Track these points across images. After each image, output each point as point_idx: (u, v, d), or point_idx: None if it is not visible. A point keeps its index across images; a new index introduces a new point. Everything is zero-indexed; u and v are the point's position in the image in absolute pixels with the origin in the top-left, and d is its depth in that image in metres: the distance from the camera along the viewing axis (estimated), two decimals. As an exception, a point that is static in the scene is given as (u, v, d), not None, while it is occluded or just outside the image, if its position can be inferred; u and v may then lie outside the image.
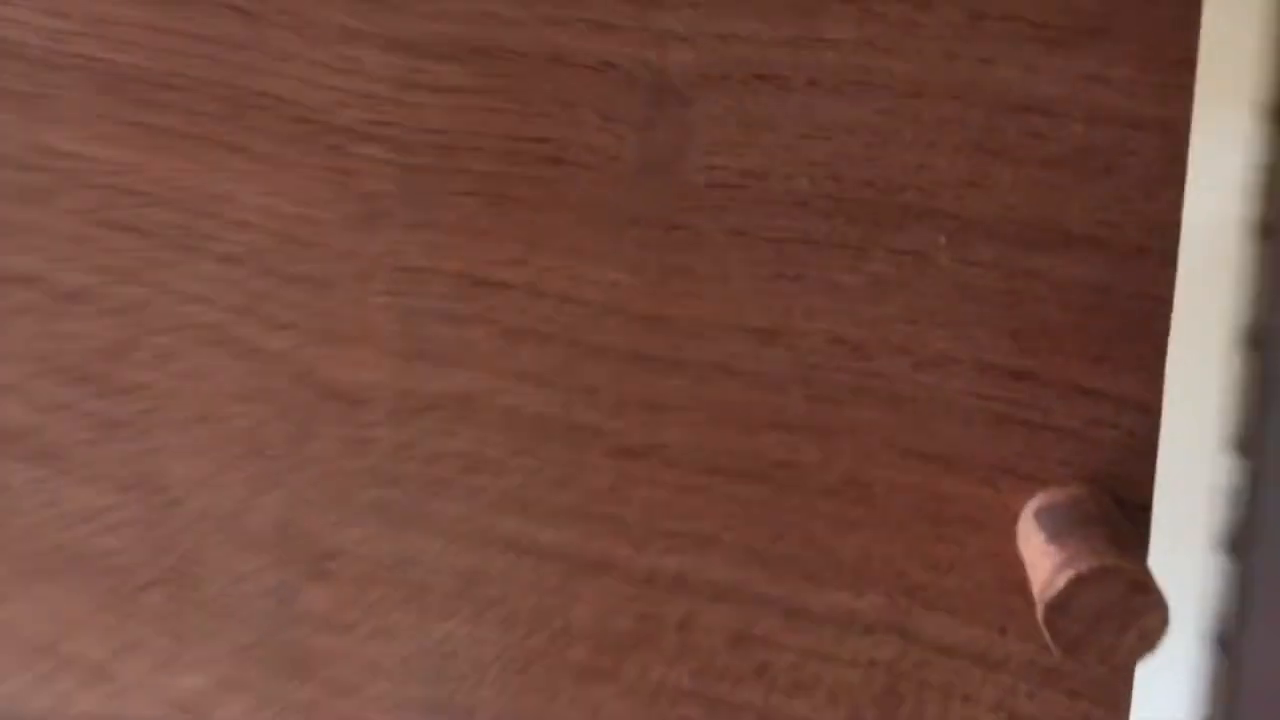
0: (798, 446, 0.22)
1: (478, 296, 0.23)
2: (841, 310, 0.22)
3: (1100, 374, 0.21)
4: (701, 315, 0.22)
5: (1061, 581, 0.18)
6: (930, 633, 0.23)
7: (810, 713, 0.24)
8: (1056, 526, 0.19)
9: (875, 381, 0.22)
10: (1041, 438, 0.21)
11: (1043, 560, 0.19)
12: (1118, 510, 0.21)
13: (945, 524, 0.22)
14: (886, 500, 0.22)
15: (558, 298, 0.23)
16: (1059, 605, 0.18)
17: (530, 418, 0.23)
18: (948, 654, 0.23)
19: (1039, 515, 0.21)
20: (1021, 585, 0.22)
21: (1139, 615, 0.18)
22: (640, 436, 0.23)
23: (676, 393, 0.23)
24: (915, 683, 0.23)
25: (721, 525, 0.23)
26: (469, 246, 0.23)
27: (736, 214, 0.21)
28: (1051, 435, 0.21)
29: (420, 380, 0.24)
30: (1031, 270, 0.21)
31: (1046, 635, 0.18)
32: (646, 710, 0.24)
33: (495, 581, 0.24)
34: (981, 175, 0.20)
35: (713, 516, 0.23)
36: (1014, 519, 0.22)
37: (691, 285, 0.22)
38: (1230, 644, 0.35)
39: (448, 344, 0.24)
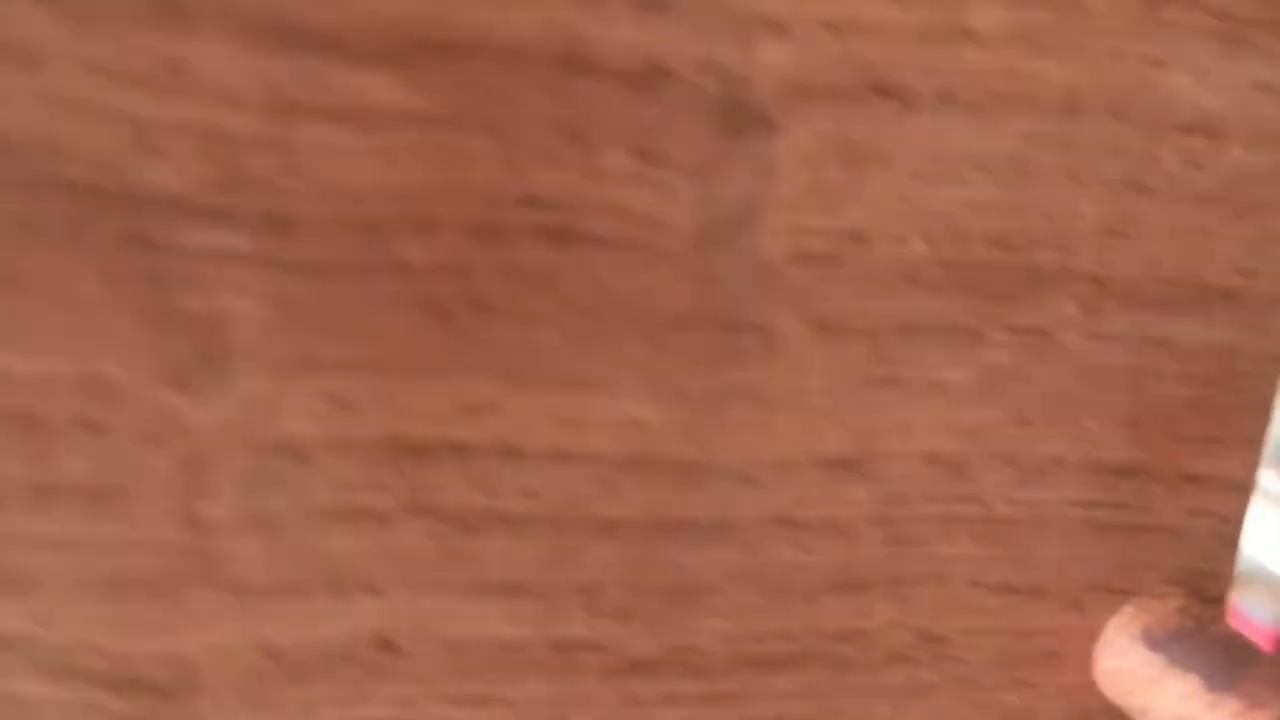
0: (868, 608, 0.21)
1: (413, 472, 0.18)
2: (941, 420, 0.20)
3: (1209, 456, 0.23)
4: (759, 453, 0.20)
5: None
6: (988, 794, 0.24)
7: None
8: (1208, 664, 0.21)
9: (969, 508, 0.21)
10: (1138, 542, 0.23)
11: (1213, 715, 0.21)
12: (1220, 613, 0.23)
13: (1020, 666, 0.23)
14: (962, 653, 0.22)
15: (545, 457, 0.18)
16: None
17: (488, 649, 0.19)
18: (1004, 812, 0.24)
19: (1158, 643, 0.22)
20: (1091, 717, 0.24)
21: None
22: (655, 641, 0.20)
23: (713, 568, 0.20)
24: None
25: (759, 735, 0.21)
26: (403, 395, 0.17)
27: (824, 299, 0.19)
28: (1149, 537, 0.23)
29: (299, 624, 0.18)
30: (1161, 339, 0.22)
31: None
32: None
33: None
34: (1128, 220, 0.20)
35: (748, 726, 0.21)
36: (1092, 641, 0.23)
37: (751, 412, 0.19)
38: None
39: (352, 559, 0.18)
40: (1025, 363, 0.22)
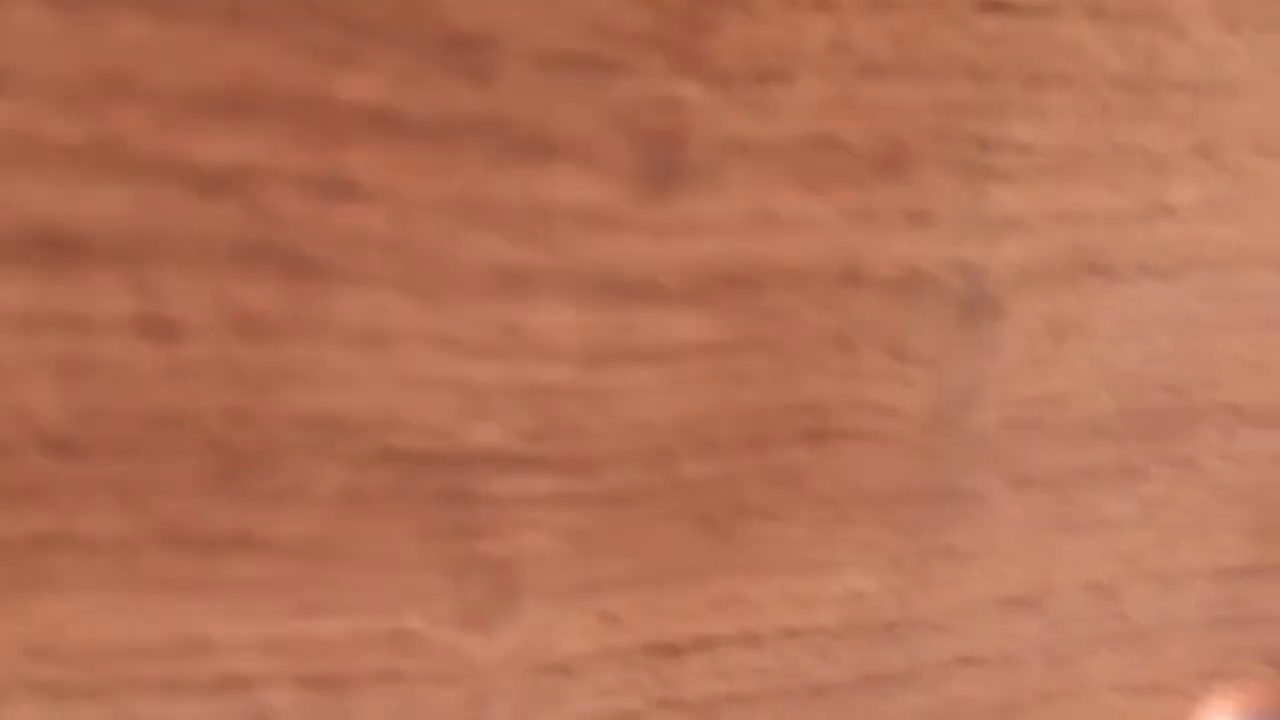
0: (1024, 726, 0.23)
1: (665, 670, 0.18)
2: (1103, 550, 0.22)
3: (1307, 550, 0.25)
4: (953, 602, 0.21)
5: None
6: None
7: None
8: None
9: (1116, 624, 0.23)
10: (1242, 632, 0.25)
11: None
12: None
13: (1139, 751, 0.25)
14: (1095, 750, 0.24)
15: (778, 637, 0.19)
16: None
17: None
18: None
19: (1253, 716, 0.25)
20: (1189, 785, 0.26)
21: None
22: (851, 787, 0.21)
23: (904, 714, 0.21)
24: None
25: None
26: (664, 601, 0.18)
27: (1025, 458, 0.20)
28: (1252, 627, 0.25)
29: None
30: (1278, 453, 0.23)
31: None
32: None
33: None
34: (1269, 353, 0.22)
35: None
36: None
37: (951, 568, 0.20)
38: None
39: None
40: (1176, 491, 0.23)
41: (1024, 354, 0.20)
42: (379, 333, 0.14)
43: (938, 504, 0.20)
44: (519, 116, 0.15)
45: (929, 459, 0.20)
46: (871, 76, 0.16)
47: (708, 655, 0.19)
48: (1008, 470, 0.21)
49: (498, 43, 0.14)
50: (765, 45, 0.16)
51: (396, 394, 0.15)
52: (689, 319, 0.16)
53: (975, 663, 0.22)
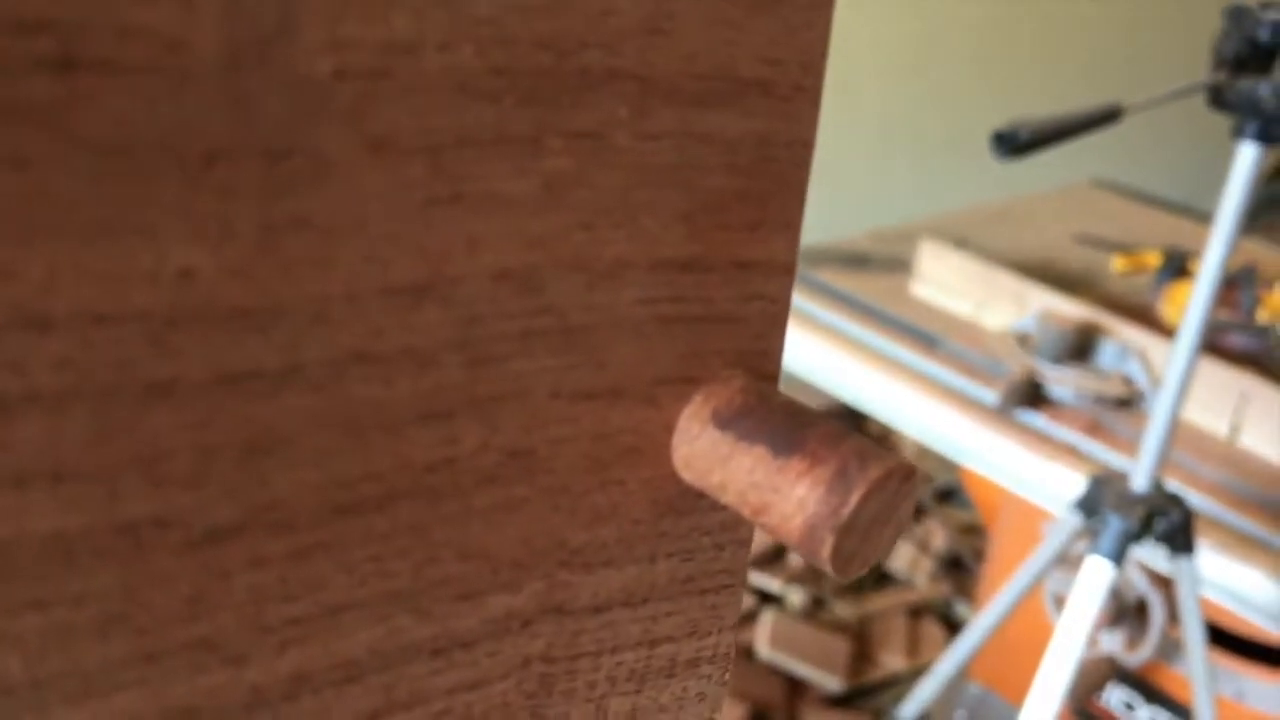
0: (454, 434, 0.21)
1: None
2: (508, 232, 0.21)
3: (756, 242, 0.24)
4: (325, 288, 0.19)
5: (854, 499, 0.22)
6: (585, 598, 0.25)
7: (457, 754, 0.25)
8: (774, 433, 0.23)
9: (545, 320, 0.22)
10: (701, 331, 0.24)
11: (783, 475, 0.23)
12: (776, 388, 0.25)
13: (607, 467, 0.24)
14: (550, 463, 0.23)
15: (75, 318, 0.16)
16: (850, 525, 0.22)
17: (38, 544, 0.17)
18: (600, 611, 0.26)
19: (726, 422, 0.24)
20: (673, 503, 0.26)
21: (901, 505, 0.23)
22: (233, 505, 0.19)
23: (288, 416, 0.19)
24: (567, 659, 0.26)
25: (355, 581, 0.21)
26: None
27: (376, 117, 0.18)
28: (710, 325, 0.24)
29: None
30: (705, 134, 0.23)
31: (824, 561, 0.22)
32: None
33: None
34: (665, 17, 0.21)
35: (342, 575, 0.21)
36: (669, 433, 0.25)
37: (310, 245, 0.18)
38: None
39: None
40: (584, 168, 0.22)
41: (346, -14, 0.18)
42: None
43: (273, 165, 0.18)
44: None
45: (244, 108, 0.17)
46: None
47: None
48: (359, 131, 0.19)
49: None
50: None
51: None
52: None
53: (373, 359, 0.20)
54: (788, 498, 0.23)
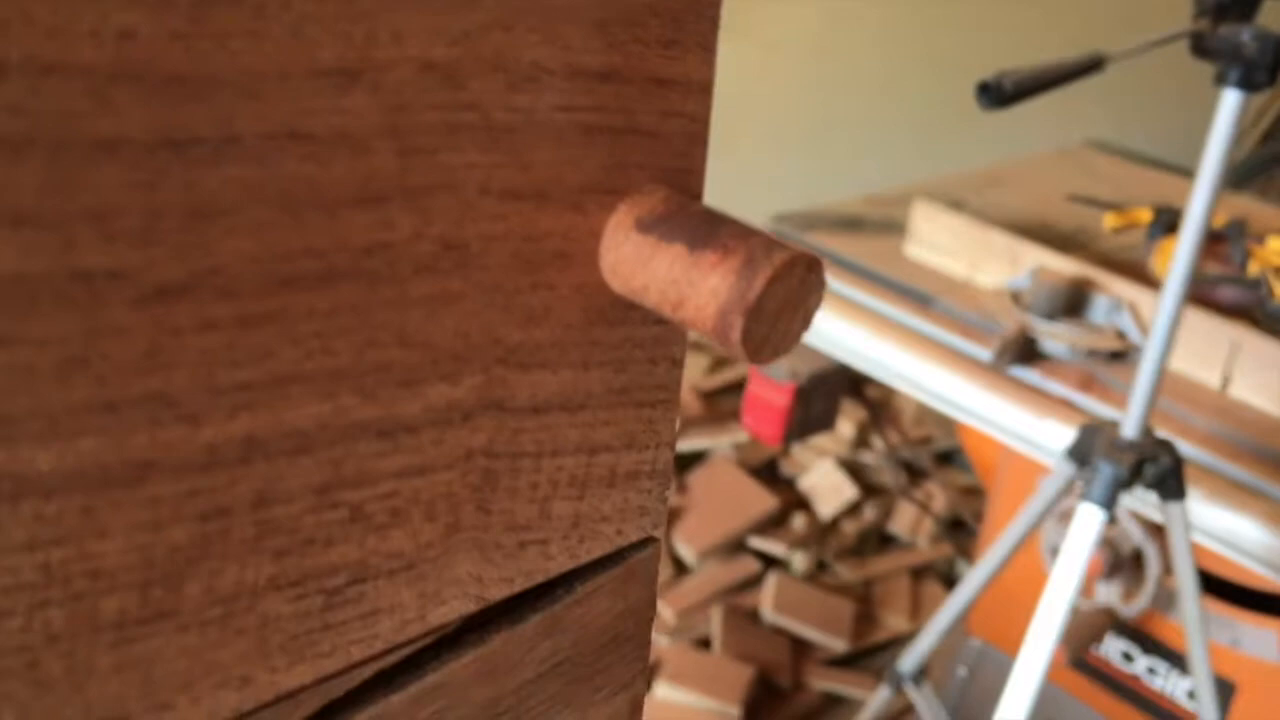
0: (389, 219, 0.23)
1: None
2: (430, 26, 0.22)
3: (672, 60, 0.26)
4: (257, 65, 0.21)
5: (760, 283, 0.24)
6: (523, 397, 0.27)
7: (407, 541, 0.27)
8: (690, 232, 0.25)
9: (469, 115, 0.24)
10: (623, 143, 0.26)
11: (697, 267, 0.25)
12: (697, 201, 0.27)
13: (538, 269, 0.26)
14: (483, 259, 0.25)
15: (26, 66, 0.18)
16: (758, 309, 0.24)
17: (6, 284, 0.19)
18: (539, 413, 0.28)
19: (649, 227, 0.26)
20: (604, 312, 0.28)
21: (809, 296, 0.25)
22: (181, 265, 0.21)
23: (230, 186, 0.21)
24: (509, 456, 0.28)
25: (301, 354, 0.23)
26: None
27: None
28: (632, 138, 0.26)
29: None
30: (617, -52, 0.24)
31: (735, 344, 0.24)
32: (219, 633, 0.24)
33: (-32, 562, 0.20)
34: None
35: (288, 347, 0.23)
36: (596, 240, 0.27)
37: (240, 19, 0.20)
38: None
39: None
40: (499, -31, 0.24)
41: None
42: None
43: (202, -62, 0.20)
44: None
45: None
46: None
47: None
48: (282, -88, 0.21)
49: None
50: None
51: None
52: None
53: (306, 138, 0.22)
54: (701, 289, 0.25)
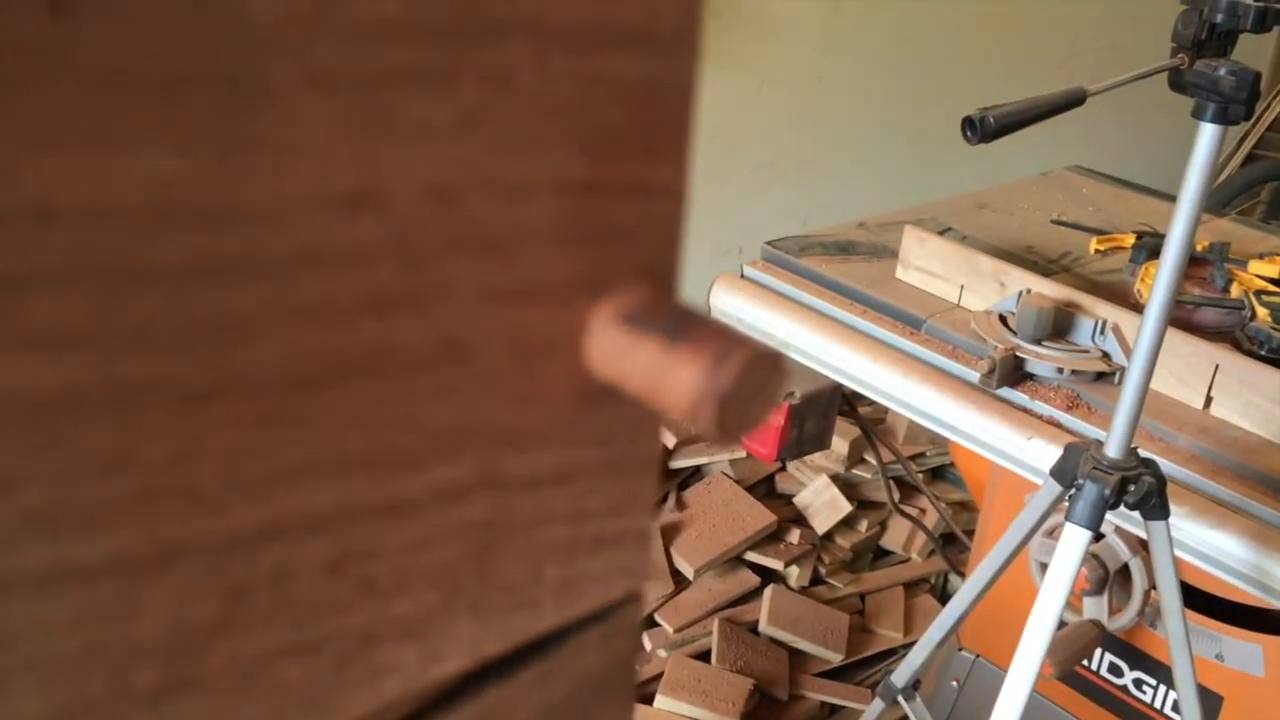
0: (394, 325, 0.26)
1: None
2: (431, 155, 0.25)
3: (648, 168, 0.28)
4: (278, 194, 0.23)
5: (733, 370, 0.26)
6: (517, 474, 0.29)
7: (411, 606, 0.29)
8: (667, 327, 0.27)
9: (465, 229, 0.26)
10: (605, 245, 0.29)
11: (674, 359, 0.27)
12: (673, 297, 0.29)
13: (529, 360, 0.28)
14: (479, 353, 0.27)
15: (75, 212, 0.21)
16: (730, 395, 0.26)
17: (52, 397, 0.21)
18: (531, 487, 0.30)
19: (629, 322, 0.28)
20: (590, 396, 0.30)
21: (772, 384, 0.27)
22: (209, 372, 0.24)
23: (251, 302, 0.24)
24: (505, 527, 0.30)
25: (315, 446, 0.25)
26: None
27: (314, 55, 0.22)
28: (613, 240, 0.29)
29: None
30: (597, 74, 0.27)
31: (708, 428, 0.26)
32: (240, 699, 0.26)
33: (18, 643, 0.23)
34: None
35: (304, 439, 0.25)
36: (582, 332, 0.29)
37: (264, 158, 0.23)
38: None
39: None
40: (493, 102, 0.26)
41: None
42: None
43: (227, 90, 0.22)
44: None
45: (206, 44, 0.22)
46: None
47: (-3, 228, 0.20)
48: (301, 64, 0.23)
49: None
50: None
51: None
52: None
53: (320, 258, 0.24)
54: (677, 379, 0.28)
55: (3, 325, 0.21)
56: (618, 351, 0.29)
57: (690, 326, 0.28)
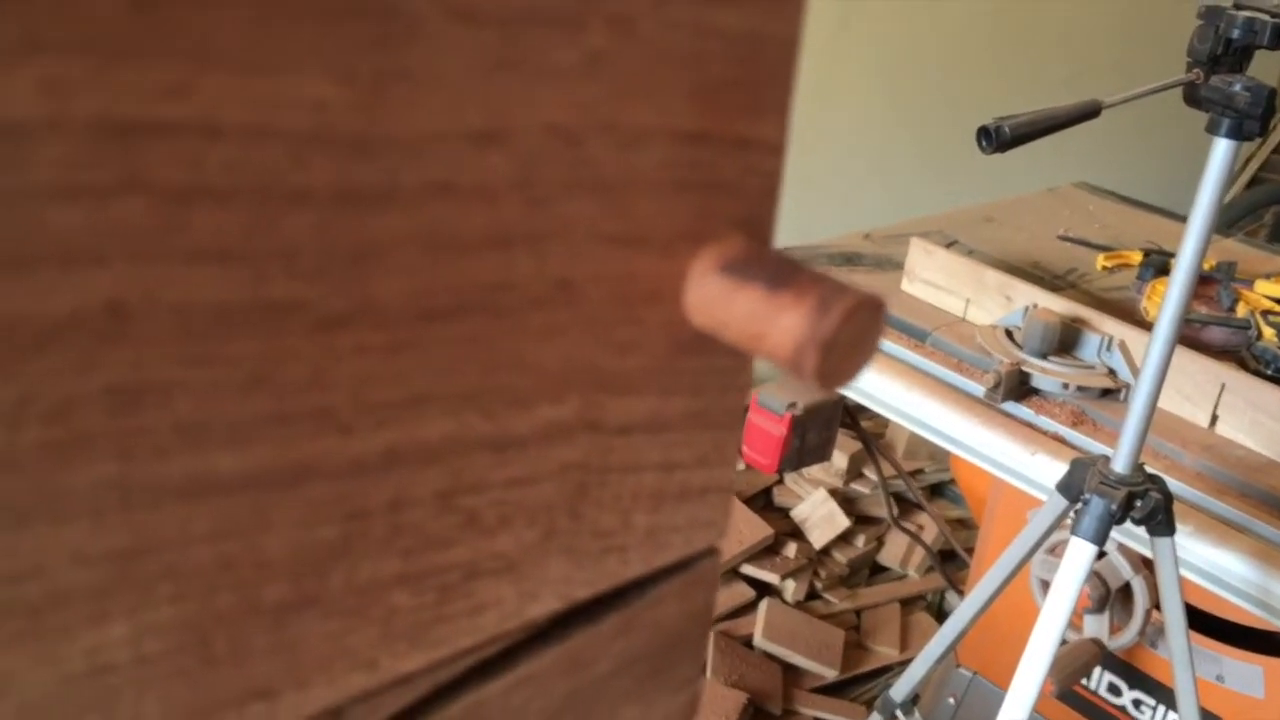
0: (513, 261, 0.27)
1: (119, 153, 0.20)
2: (557, 96, 0.26)
3: (751, 123, 0.30)
4: (419, 126, 0.24)
5: (837, 317, 0.27)
6: (614, 419, 0.31)
7: (511, 543, 0.30)
8: (769, 275, 0.28)
9: (584, 170, 0.27)
10: (709, 196, 0.30)
11: (776, 306, 0.28)
12: (770, 247, 0.30)
13: (632, 305, 0.30)
14: (587, 296, 0.29)
15: (242, 134, 0.22)
16: (833, 341, 0.27)
17: (207, 311, 0.23)
18: (626, 433, 0.31)
19: (731, 270, 0.29)
20: (686, 345, 0.31)
21: (873, 332, 0.28)
22: (346, 298, 0.25)
23: (388, 231, 0.25)
24: (599, 471, 0.31)
25: (435, 377, 0.27)
26: (104, 75, 0.20)
27: (459, -7, 0.23)
28: (716, 192, 0.30)
29: (29, 297, 0.20)
30: (711, 26, 0.28)
31: (810, 375, 0.27)
32: (354, 621, 0.27)
33: (160, 550, 0.24)
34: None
35: (426, 370, 0.26)
36: (682, 280, 0.30)
37: (409, 90, 0.24)
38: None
39: (72, 234, 0.20)
40: (617, 47, 0.27)
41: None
42: None
43: (379, 23, 0.23)
44: None
45: (365, -24, 0.23)
46: None
47: (167, 141, 0.21)
48: (445, 2, 0.24)
49: None
50: None
51: None
52: None
53: (452, 190, 0.26)
54: (779, 325, 0.29)
55: (169, 237, 0.22)
56: (717, 299, 0.30)
57: (792, 274, 0.29)
